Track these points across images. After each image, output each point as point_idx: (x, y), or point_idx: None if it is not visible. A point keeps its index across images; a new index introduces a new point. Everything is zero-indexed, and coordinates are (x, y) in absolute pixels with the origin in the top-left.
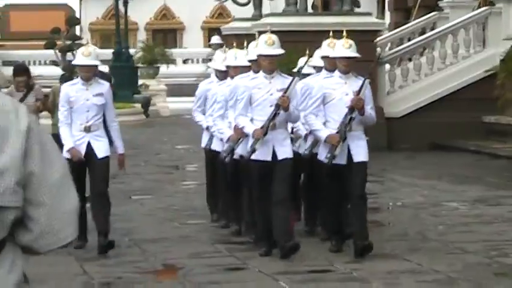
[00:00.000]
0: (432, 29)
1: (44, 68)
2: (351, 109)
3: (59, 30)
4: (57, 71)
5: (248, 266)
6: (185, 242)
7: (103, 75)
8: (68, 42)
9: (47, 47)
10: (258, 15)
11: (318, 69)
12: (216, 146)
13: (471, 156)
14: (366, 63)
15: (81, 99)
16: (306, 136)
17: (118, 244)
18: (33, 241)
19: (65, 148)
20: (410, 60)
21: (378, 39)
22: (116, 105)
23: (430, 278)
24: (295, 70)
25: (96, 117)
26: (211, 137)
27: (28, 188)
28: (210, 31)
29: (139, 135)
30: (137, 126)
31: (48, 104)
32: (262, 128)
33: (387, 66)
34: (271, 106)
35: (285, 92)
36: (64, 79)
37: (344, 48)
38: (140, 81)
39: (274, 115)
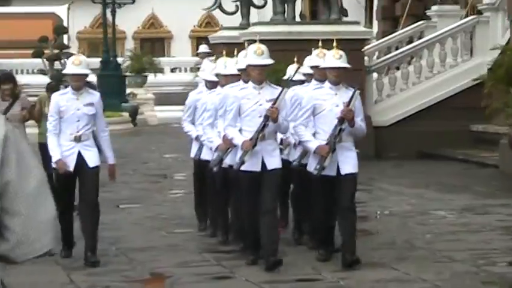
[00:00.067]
0: (420, 37)
1: (32, 77)
2: (341, 120)
3: (47, 39)
4: (45, 79)
5: (235, 274)
6: (173, 251)
7: (89, 86)
8: (56, 51)
9: (34, 55)
10: (245, 24)
11: (308, 76)
12: (206, 155)
13: (459, 165)
14: (353, 72)
15: (72, 109)
16: (295, 144)
17: (105, 253)
18: (10, 250)
19: (53, 159)
20: (398, 69)
21: (365, 48)
22: (103, 114)
23: (418, 286)
24: (285, 78)
25: (87, 127)
26: (201, 147)
27: (4, 197)
28: (198, 40)
29: (127, 144)
30: (125, 135)
31: (35, 113)
32: (251, 139)
33: (375, 75)
34: (260, 117)
35: (274, 103)
36: (50, 88)
37: (334, 58)
38: (128, 90)
39: (263, 126)
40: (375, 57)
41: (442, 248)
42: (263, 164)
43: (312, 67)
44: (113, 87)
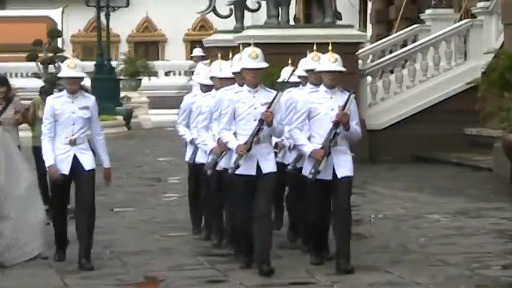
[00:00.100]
0: (414, 41)
1: (26, 80)
2: (336, 124)
3: (41, 42)
4: (39, 83)
5: (229, 278)
6: (166, 255)
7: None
8: (50, 54)
9: (28, 59)
10: (240, 28)
11: (303, 78)
12: (201, 158)
13: (453, 169)
14: (348, 75)
15: (67, 112)
16: (289, 147)
17: (99, 256)
18: None
19: (46, 164)
20: (392, 72)
21: (359, 51)
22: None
23: None
24: (279, 80)
25: (82, 130)
26: (195, 150)
27: None
28: (192, 43)
29: (121, 148)
30: (119, 138)
31: (29, 117)
32: (245, 143)
33: (369, 78)
34: (255, 120)
35: (269, 107)
36: (43, 91)
37: (330, 62)
38: (122, 94)
39: (258, 130)
40: (368, 60)
41: (436, 251)
42: (258, 168)
43: (307, 71)
44: (107, 90)
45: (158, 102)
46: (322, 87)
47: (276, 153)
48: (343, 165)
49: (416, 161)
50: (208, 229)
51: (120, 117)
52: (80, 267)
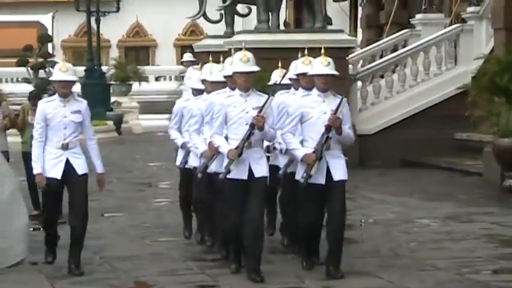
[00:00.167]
0: (404, 46)
1: (16, 86)
2: (328, 128)
3: (31, 47)
4: (30, 88)
5: (219, 283)
6: (156, 260)
7: None
8: (40, 59)
9: (18, 64)
10: (230, 33)
11: (294, 82)
12: (193, 162)
13: (443, 173)
14: (338, 80)
15: (58, 116)
16: (281, 150)
17: (89, 262)
18: None
19: (34, 171)
20: (382, 77)
21: (350, 56)
22: None
23: None
24: (270, 83)
25: (74, 134)
26: (186, 154)
27: None
28: (182, 48)
29: (112, 153)
30: (109, 143)
31: (19, 122)
32: (237, 148)
33: (359, 83)
34: (246, 124)
35: (260, 111)
36: (32, 96)
37: (323, 66)
38: (112, 99)
39: (249, 134)
40: (359, 65)
41: (426, 256)
42: (250, 172)
43: (298, 74)
44: (97, 95)
45: (149, 107)
46: (315, 91)
47: (268, 158)
48: (338, 168)
49: (406, 166)
50: (201, 233)
51: (110, 123)
52: (69, 273)
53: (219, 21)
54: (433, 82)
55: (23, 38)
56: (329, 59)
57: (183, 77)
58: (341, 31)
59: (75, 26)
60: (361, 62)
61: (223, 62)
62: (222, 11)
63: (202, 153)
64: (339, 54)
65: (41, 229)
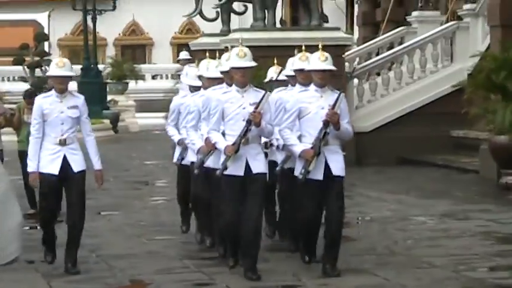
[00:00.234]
0: (400, 43)
1: (12, 84)
2: (326, 123)
3: (28, 46)
4: (26, 87)
5: (216, 281)
6: (153, 258)
7: None
8: (37, 58)
9: (15, 63)
10: (226, 31)
11: (290, 78)
12: (190, 157)
13: (439, 171)
14: (334, 77)
15: (55, 112)
16: (278, 147)
17: (86, 260)
18: None
19: (28, 169)
20: (378, 74)
21: (346, 53)
22: None
23: None
24: (266, 80)
25: (71, 130)
26: (183, 151)
27: None
28: (179, 47)
29: (108, 151)
30: (106, 142)
31: (14, 121)
32: (233, 144)
33: (355, 80)
34: (243, 120)
35: (257, 107)
36: (28, 95)
37: (320, 61)
38: (109, 97)
39: (246, 131)
40: (355, 63)
41: (422, 253)
42: (247, 169)
43: (295, 71)
44: (93, 94)
45: (145, 106)
46: (312, 87)
47: (266, 154)
48: (336, 166)
49: (403, 164)
50: (201, 232)
51: (107, 121)
52: (66, 271)
53: (215, 19)
54: (429, 79)
55: (19, 36)
56: (326, 54)
57: (179, 75)
58: (337, 29)
59: (72, 24)
60: (357, 59)
61: (219, 58)
62: (218, 9)
63: (199, 149)
64: (335, 52)
65: (37, 228)
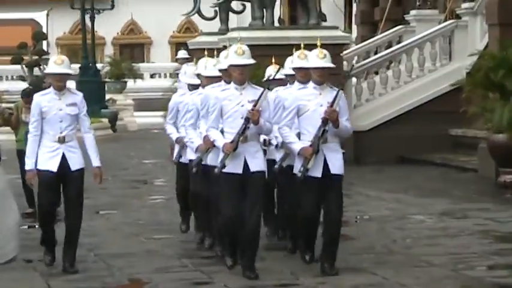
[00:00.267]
0: (398, 42)
1: (11, 84)
2: (325, 121)
3: (26, 45)
4: (24, 86)
5: (214, 280)
6: (151, 257)
7: None
8: (35, 57)
9: (13, 62)
10: (224, 30)
11: (289, 77)
12: (189, 155)
13: (438, 169)
14: (333, 76)
15: (54, 109)
16: (277, 145)
17: (84, 259)
18: None
19: (26, 167)
20: (376, 73)
21: (344, 52)
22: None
23: None
24: (264, 79)
25: (70, 127)
26: (181, 148)
27: None
28: (177, 46)
29: (107, 150)
30: (104, 141)
31: (12, 120)
32: (232, 142)
33: (354, 79)
34: (242, 118)
35: (255, 105)
36: (25, 94)
37: (318, 58)
38: (107, 96)
39: (244, 129)
40: (354, 61)
41: (421, 252)
42: (246, 167)
43: (294, 69)
44: (92, 93)
45: (143, 105)
46: (311, 84)
47: (264, 151)
48: (335, 163)
49: (401, 162)
50: (200, 231)
51: (105, 120)
52: (64, 270)
53: (214, 18)
54: (428, 78)
55: (18, 35)
56: (325, 52)
57: (177, 74)
58: (336, 28)
59: (70, 23)
60: (355, 58)
61: (217, 56)
62: (217, 8)
63: (198, 148)
64: (333, 50)
65: (36, 227)
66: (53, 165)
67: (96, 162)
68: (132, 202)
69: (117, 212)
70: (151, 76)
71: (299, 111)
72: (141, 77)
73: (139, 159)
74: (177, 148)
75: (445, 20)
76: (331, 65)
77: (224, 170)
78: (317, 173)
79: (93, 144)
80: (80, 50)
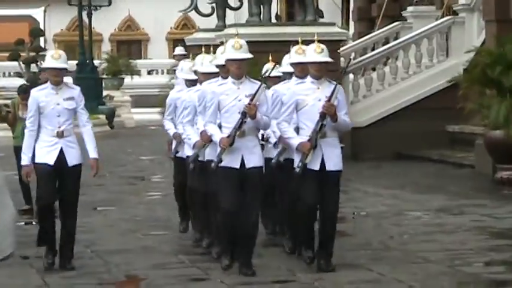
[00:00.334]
0: (396, 38)
1: (8, 80)
2: (323, 115)
3: (23, 41)
4: (21, 82)
5: (210, 276)
6: (148, 253)
7: None
8: (32, 53)
9: (10, 58)
10: (221, 26)
11: (288, 75)
12: (187, 151)
13: (435, 166)
14: (330, 72)
15: (51, 104)
16: (275, 144)
17: (81, 255)
18: None
19: (22, 162)
20: (374, 69)
21: (341, 49)
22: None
23: (393, 287)
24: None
25: (68, 122)
26: (178, 144)
27: None
28: (174, 42)
29: (104, 147)
30: (102, 137)
31: (10, 118)
32: (228, 136)
33: (351, 75)
34: (239, 112)
35: (252, 99)
36: (22, 90)
37: (316, 53)
38: (105, 93)
39: (241, 123)
40: (351, 57)
41: (417, 248)
42: (243, 162)
43: (292, 64)
44: (89, 89)
45: (141, 101)
46: (309, 79)
47: (262, 146)
48: (332, 159)
49: (398, 159)
50: (198, 230)
51: (102, 116)
52: (60, 267)
53: (211, 14)
54: (425, 74)
55: (15, 32)
56: (322, 46)
57: (174, 70)
58: (333, 24)
59: (67, 20)
60: (352, 54)
61: (213, 53)
62: (214, 5)
63: (195, 144)
64: (330, 47)
65: (33, 223)
66: (50, 159)
67: (93, 154)
68: (130, 198)
69: (114, 208)
70: (149, 72)
71: (297, 106)
72: (138, 73)
73: (137, 156)
74: (174, 144)
75: (442, 17)
76: (329, 60)
77: (221, 165)
78: (315, 166)
79: (91, 137)
80: (77, 47)
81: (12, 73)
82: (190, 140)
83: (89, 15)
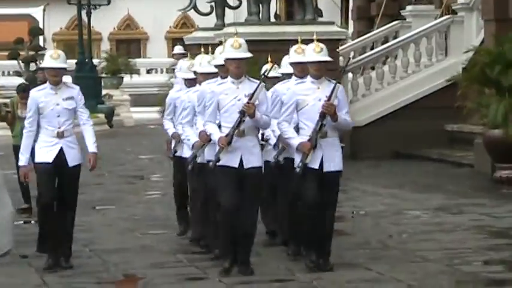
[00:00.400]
0: (395, 37)
1: (7, 79)
2: (323, 115)
3: (22, 40)
4: (21, 81)
5: (209, 275)
6: (146, 252)
7: None
8: (31, 52)
9: (10, 57)
10: (220, 25)
11: (287, 76)
12: (186, 152)
13: (434, 165)
14: (329, 71)
15: (51, 104)
16: (275, 145)
17: (79, 255)
18: None
19: (19, 162)
20: (373, 68)
21: (340, 48)
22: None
23: (392, 286)
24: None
25: (68, 122)
26: (177, 144)
27: None
28: (173, 41)
29: (103, 146)
30: (101, 136)
31: (9, 117)
32: (227, 136)
33: (350, 75)
34: (239, 112)
35: (250, 98)
36: (21, 89)
37: (315, 52)
38: (104, 91)
39: (239, 122)
40: (350, 56)
41: (416, 247)
42: (242, 162)
43: (291, 63)
44: (88, 88)
45: (140, 100)
46: (309, 78)
47: (262, 146)
48: (332, 160)
49: (397, 158)
50: (197, 233)
51: (101, 115)
52: (59, 266)
53: (210, 13)
54: (424, 74)
55: (14, 31)
56: (322, 45)
57: (173, 69)
58: (332, 23)
59: (66, 19)
60: (352, 53)
61: (212, 53)
62: (213, 3)
63: (194, 145)
64: (329, 46)
65: (32, 222)
66: (49, 157)
67: (92, 148)
68: (128, 197)
69: (112, 207)
70: (148, 71)
71: (297, 106)
72: (137, 72)
73: (136, 155)
74: (173, 143)
75: (441, 16)
76: (328, 59)
77: (219, 164)
78: (315, 164)
79: (91, 133)
80: (76, 46)
81: (11, 72)
82: (189, 140)
83: (88, 14)
